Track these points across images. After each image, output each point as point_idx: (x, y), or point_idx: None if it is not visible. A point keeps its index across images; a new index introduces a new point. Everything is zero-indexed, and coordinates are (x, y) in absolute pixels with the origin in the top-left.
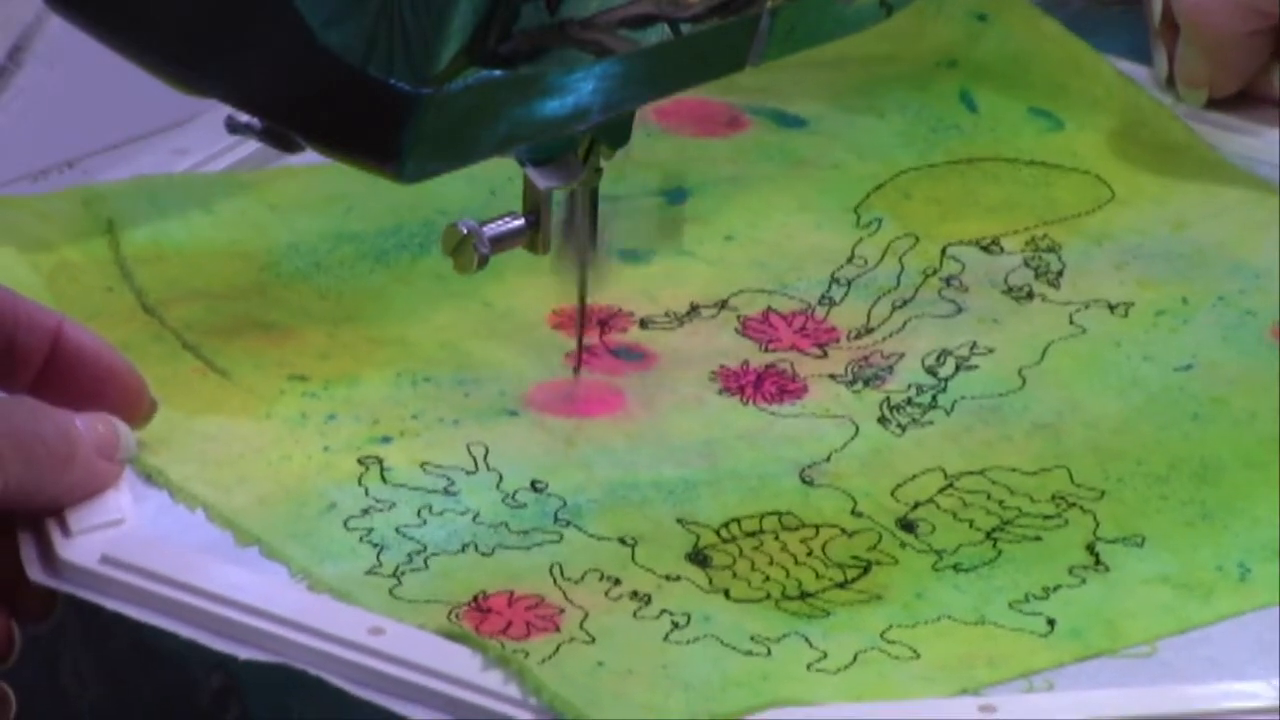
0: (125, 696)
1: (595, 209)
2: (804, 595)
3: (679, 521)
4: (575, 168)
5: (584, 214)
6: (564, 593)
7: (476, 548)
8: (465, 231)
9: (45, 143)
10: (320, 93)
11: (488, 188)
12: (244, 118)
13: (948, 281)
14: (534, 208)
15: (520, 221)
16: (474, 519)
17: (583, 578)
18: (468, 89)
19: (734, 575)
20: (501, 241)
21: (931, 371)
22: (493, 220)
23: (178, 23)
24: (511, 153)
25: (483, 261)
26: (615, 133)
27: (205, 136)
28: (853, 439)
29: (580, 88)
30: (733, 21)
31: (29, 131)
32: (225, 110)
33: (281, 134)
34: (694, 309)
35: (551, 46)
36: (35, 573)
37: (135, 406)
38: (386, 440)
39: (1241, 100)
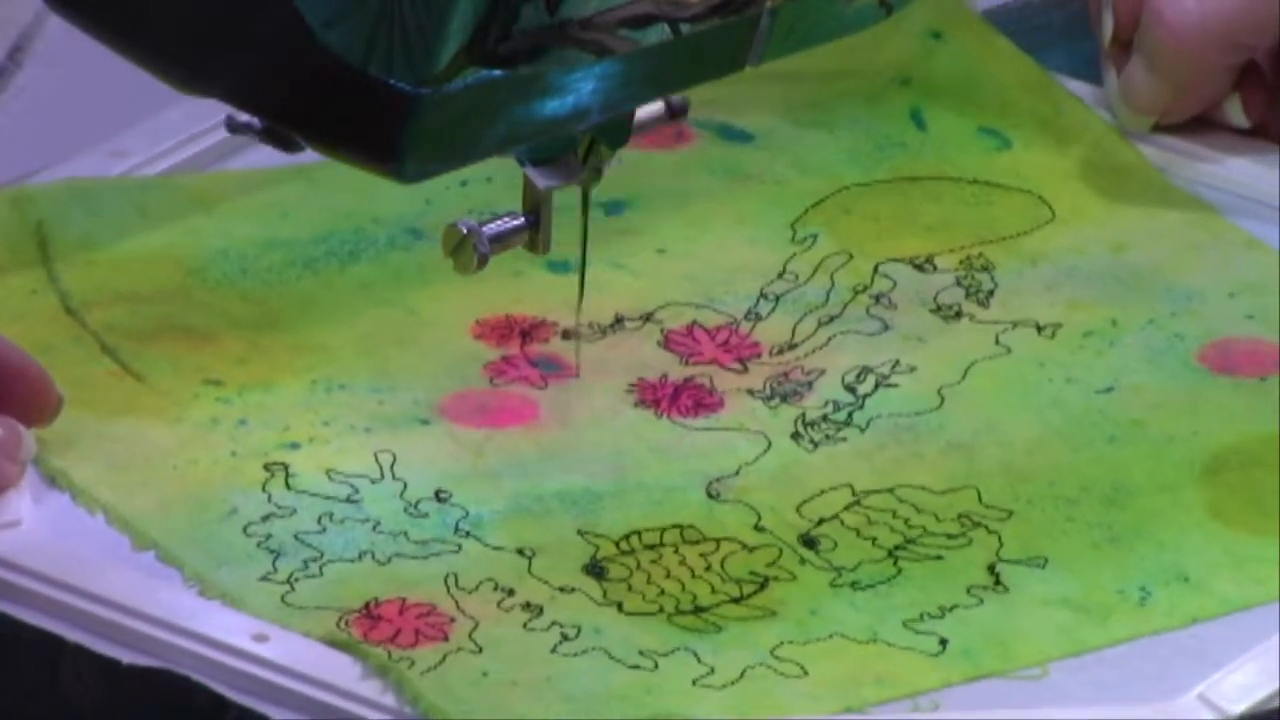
0: (125, 698)
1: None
2: (697, 610)
3: (580, 533)
4: (575, 168)
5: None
6: (456, 602)
7: (373, 556)
8: (465, 231)
9: (45, 143)
10: (320, 93)
11: (423, 197)
12: (244, 117)
13: (877, 299)
14: (534, 208)
15: (520, 221)
16: (374, 528)
17: (477, 587)
18: (467, 89)
19: (629, 588)
20: (501, 241)
21: (851, 389)
22: (492, 220)
23: (178, 22)
24: (511, 153)
25: (482, 261)
26: (615, 133)
27: (145, 139)
28: (764, 454)
29: (580, 88)
30: (733, 21)
31: (29, 131)
32: (168, 113)
33: (281, 134)
34: (618, 320)
35: (551, 46)
36: None
37: (41, 406)
38: (295, 446)
39: (1192, 124)
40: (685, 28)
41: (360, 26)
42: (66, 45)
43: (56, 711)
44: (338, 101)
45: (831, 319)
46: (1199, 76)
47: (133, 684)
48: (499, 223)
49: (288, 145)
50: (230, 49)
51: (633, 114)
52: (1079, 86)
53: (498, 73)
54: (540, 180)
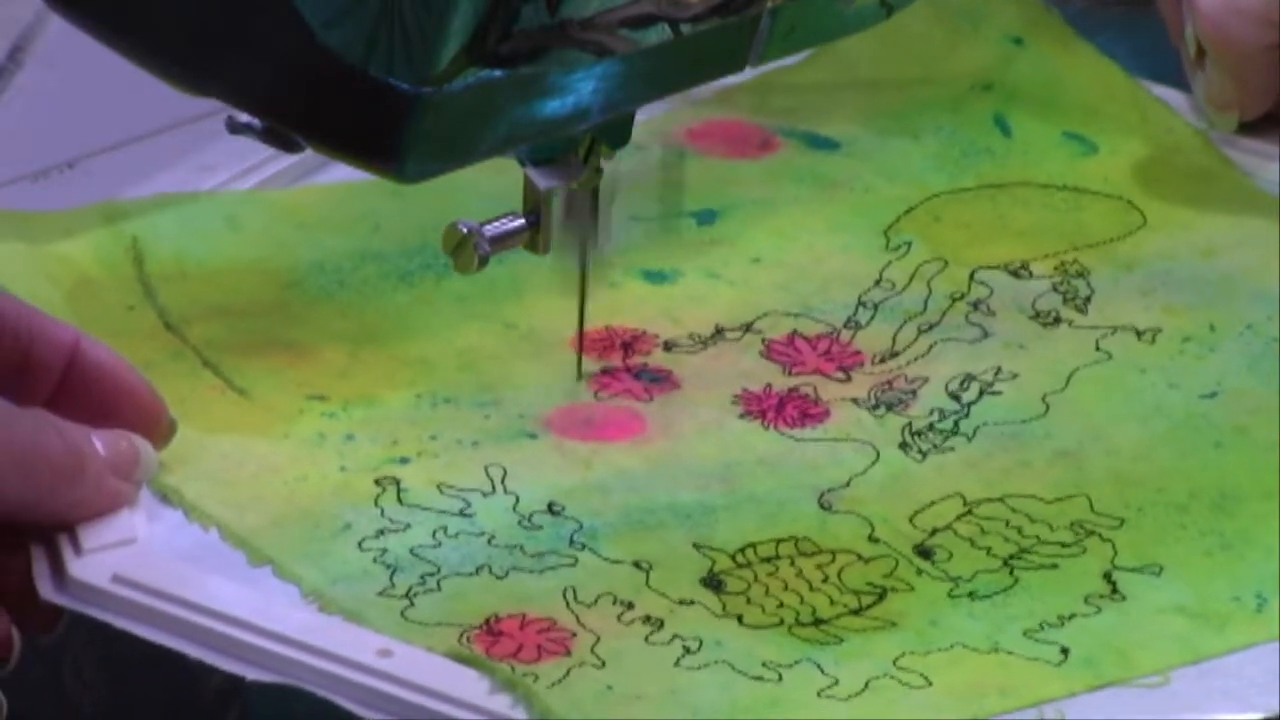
0: (128, 696)
1: (596, 209)
2: (817, 622)
3: (694, 546)
4: (575, 168)
5: (585, 212)
6: (576, 616)
7: (490, 570)
8: (465, 231)
9: (45, 143)
10: (320, 93)
11: (513, 209)
12: (244, 117)
13: (975, 306)
14: (534, 208)
15: (520, 221)
16: (489, 541)
17: (596, 601)
18: (468, 89)
19: (748, 601)
20: (501, 241)
21: (955, 397)
22: (493, 220)
23: (178, 22)
24: (512, 153)
25: (483, 261)
26: (615, 133)
27: (232, 154)
28: (873, 464)
29: (580, 88)
30: (733, 21)
31: (29, 131)
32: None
33: (282, 134)
34: (719, 331)
35: (551, 46)
36: (46, 590)
37: (153, 424)
38: (404, 461)
39: (1277, 126)
40: (685, 28)
41: (360, 26)
42: (66, 45)
43: (59, 710)
44: (338, 101)
45: (931, 326)
46: (1248, 64)
47: (135, 682)
48: (499, 223)
49: (289, 145)
50: (230, 49)
51: (633, 114)
52: (1165, 92)
53: (498, 73)
54: (540, 180)
